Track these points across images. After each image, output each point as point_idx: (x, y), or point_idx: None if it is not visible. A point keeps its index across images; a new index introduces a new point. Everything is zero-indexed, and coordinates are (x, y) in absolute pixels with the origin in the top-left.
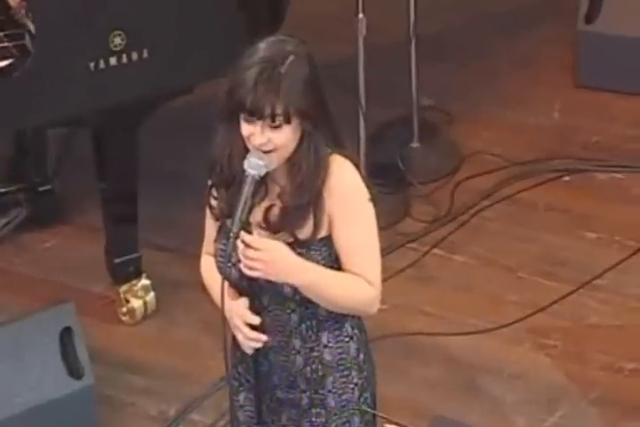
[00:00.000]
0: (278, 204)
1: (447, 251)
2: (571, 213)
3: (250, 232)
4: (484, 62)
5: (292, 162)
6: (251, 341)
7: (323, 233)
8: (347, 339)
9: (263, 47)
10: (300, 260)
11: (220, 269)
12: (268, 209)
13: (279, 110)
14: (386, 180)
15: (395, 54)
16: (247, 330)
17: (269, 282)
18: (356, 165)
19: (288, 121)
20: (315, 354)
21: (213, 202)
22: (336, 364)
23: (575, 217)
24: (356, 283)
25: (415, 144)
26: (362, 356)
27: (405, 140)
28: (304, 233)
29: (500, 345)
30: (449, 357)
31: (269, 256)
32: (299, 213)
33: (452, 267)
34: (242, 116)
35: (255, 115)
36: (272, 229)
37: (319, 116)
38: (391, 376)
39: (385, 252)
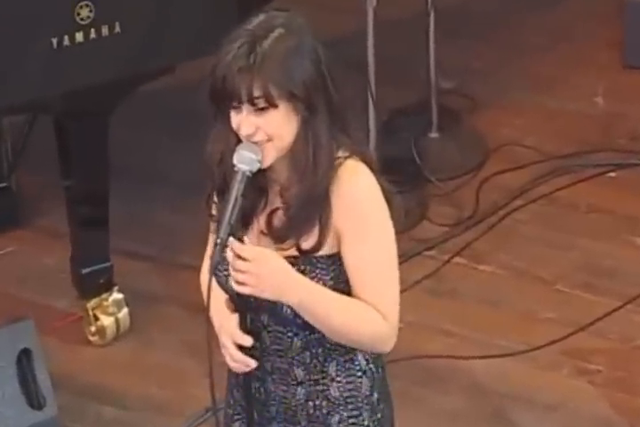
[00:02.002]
0: (282, 205)
1: (471, 259)
2: (616, 214)
3: (241, 240)
4: (514, 39)
5: (291, 154)
6: (237, 364)
7: (331, 248)
8: (359, 373)
9: (252, 21)
10: (297, 275)
11: (217, 279)
12: (271, 213)
13: (257, 91)
14: (399, 176)
15: (409, 29)
16: (234, 351)
17: (268, 299)
18: (371, 165)
19: (273, 104)
20: (319, 388)
21: (214, 210)
22: (344, 402)
23: (622, 220)
24: (365, 311)
25: (433, 134)
26: (376, 395)
27: (422, 129)
28: (309, 242)
29: (532, 370)
30: (473, 383)
31: (260, 268)
32: (304, 214)
33: (476, 278)
34: (229, 103)
35: (235, 96)
36: (276, 235)
37: (317, 100)
38: (406, 406)
39: (398, 261)
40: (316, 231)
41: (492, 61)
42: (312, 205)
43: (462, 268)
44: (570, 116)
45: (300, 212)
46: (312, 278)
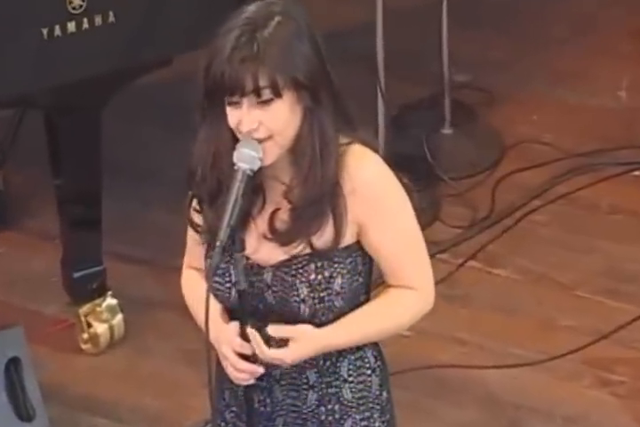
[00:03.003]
0: (285, 205)
1: (486, 263)
2: None
3: (243, 247)
4: (532, 28)
5: (294, 150)
6: (241, 373)
7: (348, 240)
8: (368, 371)
9: (248, 9)
10: (330, 331)
11: (215, 292)
12: (273, 214)
13: (264, 81)
14: (410, 174)
15: (421, 19)
16: (236, 360)
17: (280, 302)
18: (376, 152)
19: (278, 94)
20: (332, 391)
21: (196, 217)
22: (356, 403)
23: None
24: (397, 305)
25: (446, 130)
26: (385, 394)
27: (434, 125)
28: (323, 240)
29: (551, 381)
30: (488, 395)
31: (300, 350)
32: (312, 213)
33: (491, 283)
34: (226, 99)
35: (236, 91)
36: (282, 238)
37: (320, 88)
38: (417, 419)
39: None
40: (329, 227)
41: (509, 53)
42: (321, 203)
43: (476, 272)
44: (591, 111)
45: (309, 212)
46: (330, 274)
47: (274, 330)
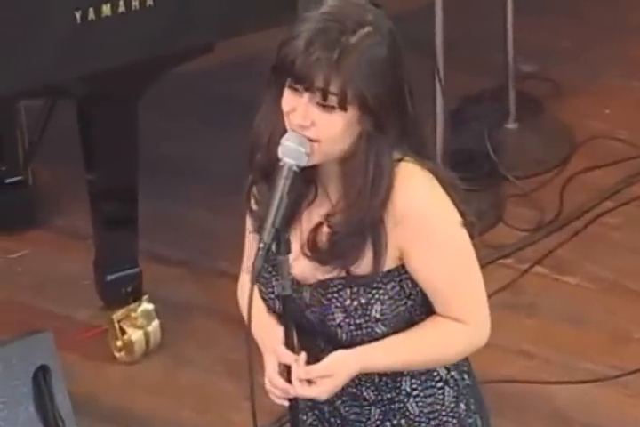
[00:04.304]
0: (325, 227)
1: (554, 270)
2: None
3: (289, 250)
4: (607, 15)
5: (344, 170)
6: (277, 390)
7: (389, 264)
8: (439, 384)
9: (339, 4)
10: (367, 352)
11: (262, 297)
12: (316, 228)
13: (335, 87)
14: (471, 173)
15: (484, 2)
16: (273, 371)
17: (320, 324)
18: (440, 179)
19: (343, 106)
20: (395, 406)
21: (255, 205)
22: (426, 417)
23: None
24: (444, 336)
25: (511, 125)
26: (462, 405)
27: (498, 119)
28: (362, 267)
29: (623, 398)
30: (554, 413)
31: (337, 379)
32: (350, 243)
33: (559, 291)
34: (287, 81)
35: (304, 82)
36: (319, 257)
37: (388, 116)
38: None
39: None
40: (369, 253)
41: (580, 41)
42: (362, 234)
43: (543, 279)
44: None
45: (347, 241)
46: (367, 300)
47: (304, 373)
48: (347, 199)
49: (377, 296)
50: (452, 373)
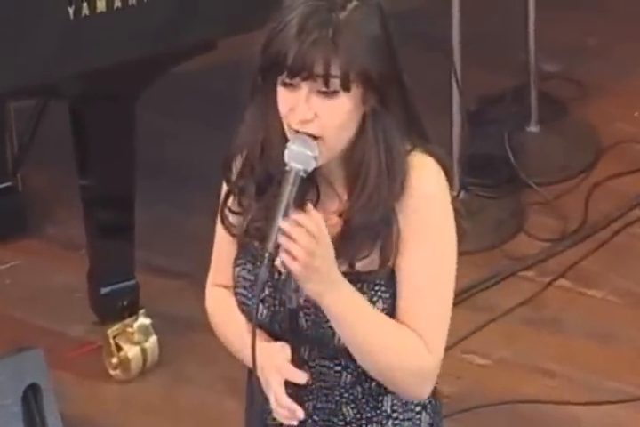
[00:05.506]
0: (335, 220)
1: (578, 283)
2: None
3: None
4: (633, 9)
5: (353, 158)
6: (283, 410)
7: (392, 260)
8: (418, 408)
9: None
10: (344, 280)
11: (241, 306)
12: (329, 225)
13: (335, 70)
14: (490, 179)
15: None
16: (281, 393)
17: (313, 327)
18: (446, 169)
19: (347, 87)
20: None
21: (232, 216)
22: None
23: None
24: (411, 339)
25: (533, 128)
26: None
27: (519, 121)
28: (364, 263)
29: None
30: None
31: (319, 248)
32: (365, 236)
33: (584, 306)
34: (279, 79)
35: (301, 73)
36: None
37: (390, 90)
38: None
39: (488, 283)
40: (376, 251)
41: (607, 38)
42: (377, 226)
43: (567, 293)
44: None
45: (362, 235)
46: (369, 298)
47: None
48: (363, 192)
49: (379, 293)
50: (431, 398)
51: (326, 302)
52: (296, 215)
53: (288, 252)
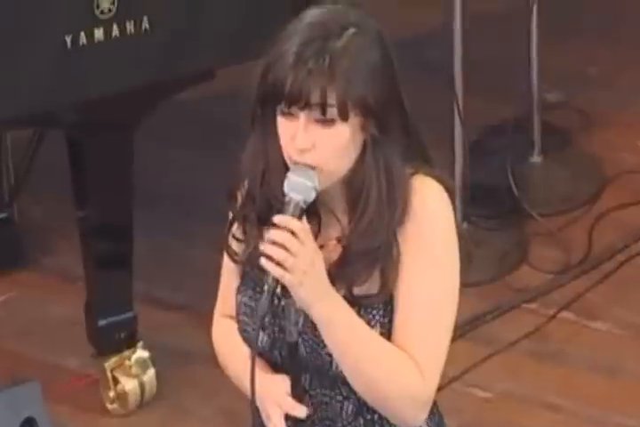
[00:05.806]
0: (334, 245)
1: (583, 315)
2: None
3: None
4: (637, 37)
5: (354, 184)
6: None
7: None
8: None
9: (313, 13)
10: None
11: (243, 333)
12: (320, 248)
13: (332, 99)
14: (493, 210)
15: (507, 26)
16: (281, 423)
17: (311, 354)
18: (450, 192)
19: (345, 116)
20: None
21: (235, 244)
22: None
23: None
24: (404, 362)
25: (536, 158)
26: None
27: (521, 151)
28: (363, 288)
29: None
30: None
31: (303, 249)
32: (365, 262)
33: (589, 338)
34: (278, 109)
35: (298, 103)
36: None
37: (390, 116)
38: None
39: (491, 315)
40: (375, 277)
41: (611, 67)
42: (377, 252)
43: (571, 325)
44: None
45: (362, 260)
46: (368, 321)
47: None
48: (362, 218)
49: (377, 318)
50: (430, 424)
51: (316, 312)
52: (277, 217)
53: (270, 257)
